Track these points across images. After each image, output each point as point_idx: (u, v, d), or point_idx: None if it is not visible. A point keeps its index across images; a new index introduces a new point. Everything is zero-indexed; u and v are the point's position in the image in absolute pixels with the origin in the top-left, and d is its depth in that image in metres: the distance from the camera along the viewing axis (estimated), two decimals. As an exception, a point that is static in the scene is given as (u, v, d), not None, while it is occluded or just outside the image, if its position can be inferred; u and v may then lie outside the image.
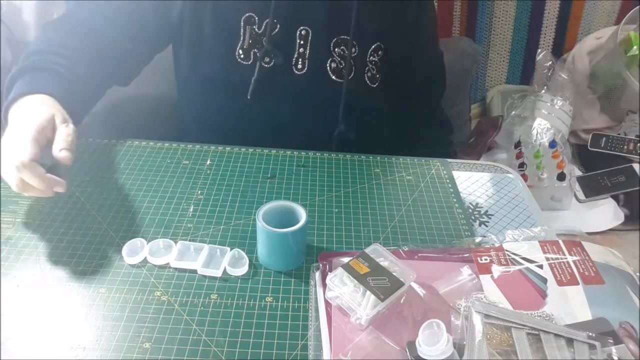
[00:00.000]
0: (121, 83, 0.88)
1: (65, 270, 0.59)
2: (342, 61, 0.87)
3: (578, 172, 1.57)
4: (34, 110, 0.65)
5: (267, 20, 0.82)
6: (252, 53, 0.84)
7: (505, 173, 0.84)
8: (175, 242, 0.62)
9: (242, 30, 0.84)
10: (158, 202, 0.70)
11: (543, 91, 1.61)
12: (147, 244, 0.61)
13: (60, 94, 0.70)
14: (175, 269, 0.60)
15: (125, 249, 0.60)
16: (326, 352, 0.50)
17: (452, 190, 0.77)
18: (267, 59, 0.84)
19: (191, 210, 0.69)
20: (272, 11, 0.82)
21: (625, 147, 1.56)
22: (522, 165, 1.49)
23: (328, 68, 0.86)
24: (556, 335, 0.50)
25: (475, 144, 1.62)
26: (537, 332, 0.50)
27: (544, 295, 0.56)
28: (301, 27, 0.85)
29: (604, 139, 1.59)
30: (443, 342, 0.48)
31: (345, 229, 0.68)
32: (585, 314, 0.54)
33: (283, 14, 0.83)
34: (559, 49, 1.76)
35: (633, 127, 1.58)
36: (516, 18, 1.71)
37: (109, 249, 0.62)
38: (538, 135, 1.52)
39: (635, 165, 1.51)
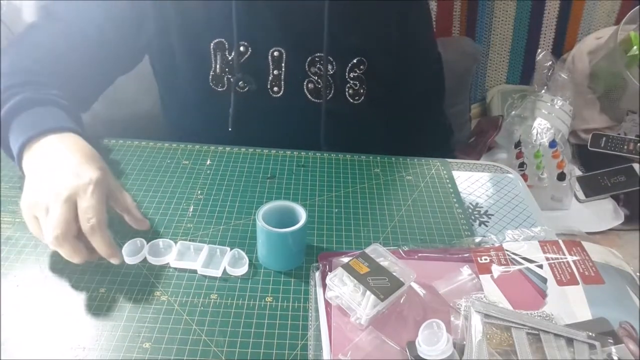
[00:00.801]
0: (81, 109, 0.80)
1: (65, 270, 0.58)
2: (319, 80, 0.83)
3: (578, 172, 1.57)
4: (80, 161, 0.59)
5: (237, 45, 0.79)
6: (225, 79, 0.81)
7: (505, 173, 0.83)
8: (175, 242, 0.62)
9: (212, 56, 0.81)
10: (158, 202, 0.70)
11: (543, 91, 1.61)
12: (147, 244, 0.61)
13: (79, 128, 0.64)
14: (175, 269, 0.60)
15: (125, 249, 0.60)
16: (326, 352, 0.50)
17: (452, 190, 0.77)
18: (241, 84, 0.81)
19: (191, 210, 0.69)
20: (237, 35, 0.78)
21: (625, 147, 1.57)
22: (522, 165, 1.49)
23: (305, 89, 0.83)
24: (556, 335, 0.50)
25: (475, 144, 1.62)
26: (537, 332, 0.50)
27: (543, 295, 0.56)
28: (273, 49, 0.81)
29: (604, 139, 1.59)
30: (443, 342, 0.48)
31: (345, 229, 0.68)
32: (585, 314, 0.54)
33: (253, 36, 0.80)
34: (559, 49, 1.76)
35: (633, 127, 1.58)
36: (516, 18, 1.71)
37: (109, 249, 0.62)
38: (538, 135, 1.52)
39: (635, 165, 1.52)
